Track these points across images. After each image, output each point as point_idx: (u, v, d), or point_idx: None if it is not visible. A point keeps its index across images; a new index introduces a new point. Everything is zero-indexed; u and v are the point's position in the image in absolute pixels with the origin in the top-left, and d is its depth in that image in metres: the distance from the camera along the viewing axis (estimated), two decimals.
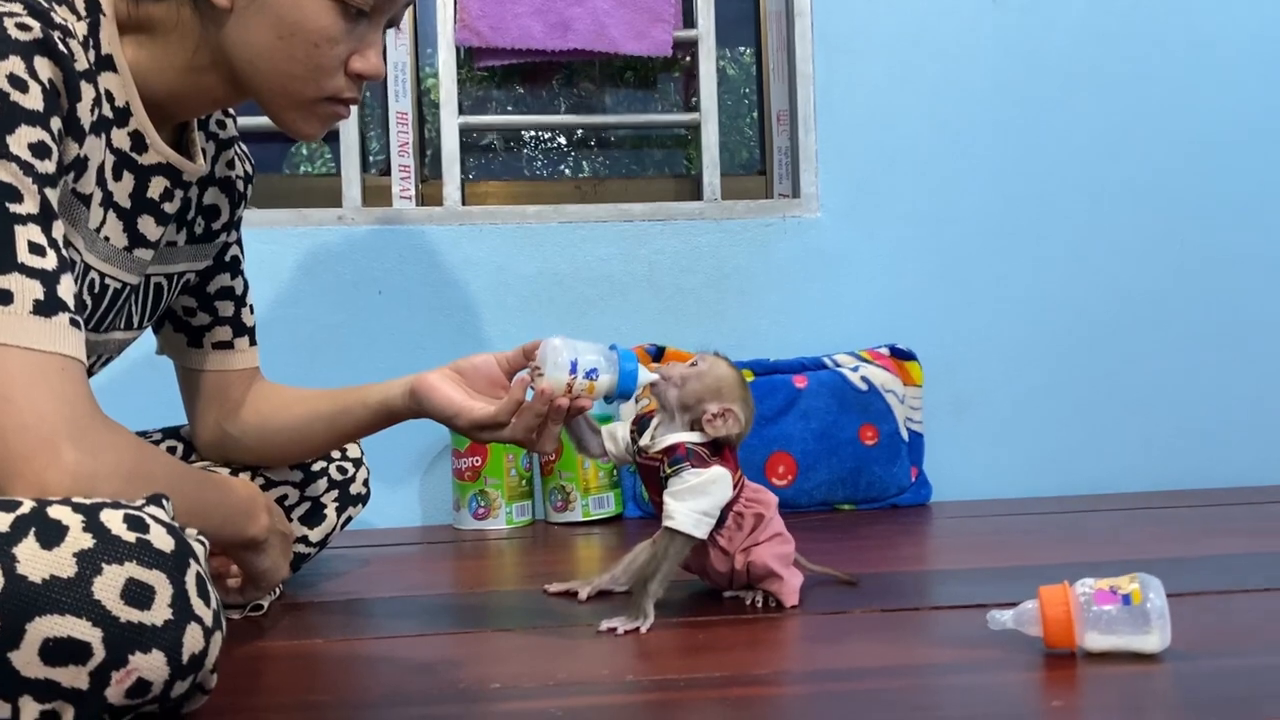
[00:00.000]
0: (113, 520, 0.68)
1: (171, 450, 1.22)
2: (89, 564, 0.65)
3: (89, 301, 0.93)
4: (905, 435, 1.73)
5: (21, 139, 0.78)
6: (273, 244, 1.71)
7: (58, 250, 0.79)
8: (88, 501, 0.70)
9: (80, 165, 0.85)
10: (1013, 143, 1.85)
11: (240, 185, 1.14)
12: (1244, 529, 1.46)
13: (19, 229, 0.77)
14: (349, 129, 1.76)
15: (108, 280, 0.95)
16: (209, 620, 0.70)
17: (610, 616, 0.99)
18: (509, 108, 2.02)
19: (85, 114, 0.84)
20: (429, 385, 1.03)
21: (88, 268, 0.91)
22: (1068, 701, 0.77)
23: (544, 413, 0.96)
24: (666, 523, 1.01)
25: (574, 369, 0.96)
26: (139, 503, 0.72)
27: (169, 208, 0.99)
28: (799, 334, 1.79)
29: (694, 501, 1.01)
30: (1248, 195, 1.87)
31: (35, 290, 0.77)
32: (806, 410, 1.69)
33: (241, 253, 1.18)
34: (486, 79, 1.98)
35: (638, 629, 0.97)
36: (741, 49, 2.05)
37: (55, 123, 0.80)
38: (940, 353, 1.81)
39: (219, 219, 1.11)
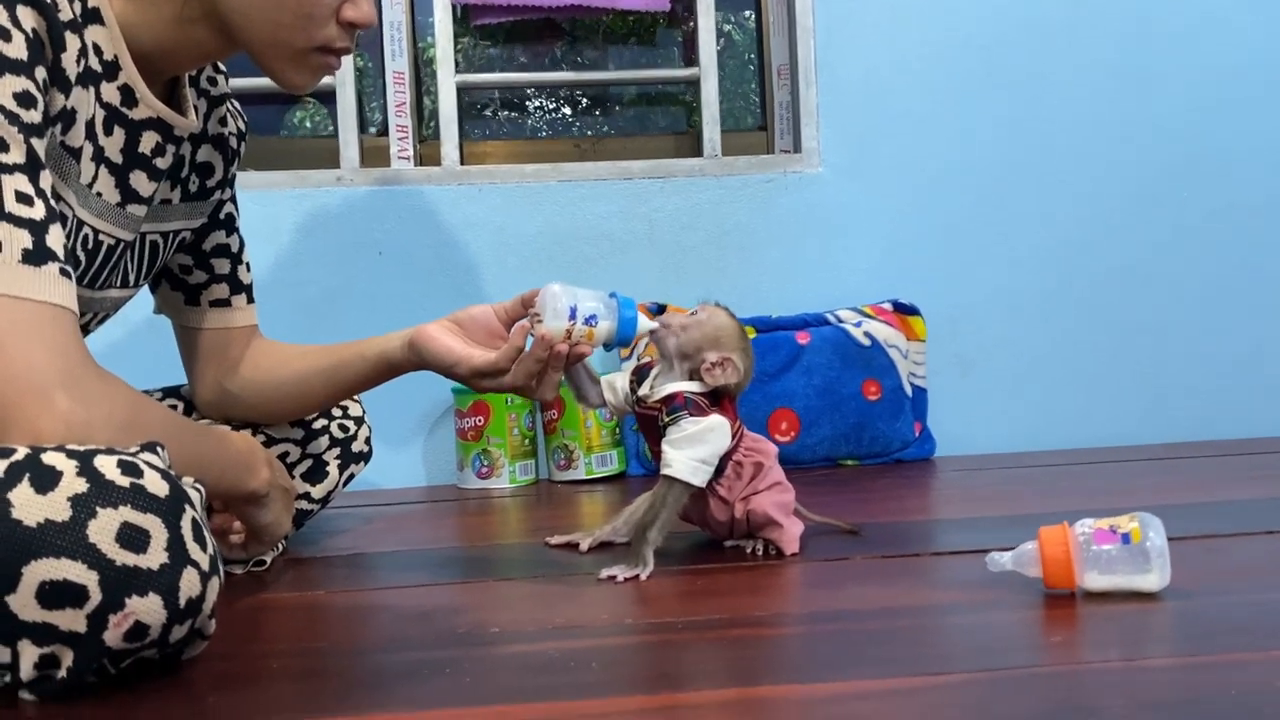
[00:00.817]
0: (106, 465, 0.68)
1: (172, 409, 1.22)
2: (83, 508, 0.66)
3: (82, 258, 0.93)
4: (909, 390, 1.73)
5: (6, 88, 0.77)
6: (271, 206, 1.70)
7: (46, 200, 0.79)
8: (81, 448, 0.70)
9: (68, 118, 0.85)
10: (1017, 96, 1.83)
11: (234, 142, 1.13)
12: (1247, 477, 1.46)
13: (5, 179, 0.76)
14: (346, 90, 1.75)
15: (101, 236, 0.94)
16: (205, 565, 0.70)
17: (610, 566, 0.99)
18: (496, 57, 2.00)
19: (71, 65, 0.83)
20: (428, 335, 1.03)
21: (80, 223, 0.91)
22: (1066, 637, 0.77)
23: (544, 359, 0.96)
24: (664, 471, 1.01)
25: (573, 315, 0.95)
26: (133, 449, 0.72)
27: (161, 163, 0.99)
28: (801, 290, 1.78)
29: (692, 450, 1.01)
30: (1252, 147, 1.85)
31: (24, 240, 0.76)
32: (809, 366, 1.68)
33: (236, 210, 1.17)
34: (488, 42, 1.96)
35: (637, 576, 0.97)
36: (745, 13, 2.03)
37: (40, 73, 0.80)
38: (944, 307, 1.80)
39: (213, 176, 1.11)
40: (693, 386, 1.03)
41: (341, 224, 1.73)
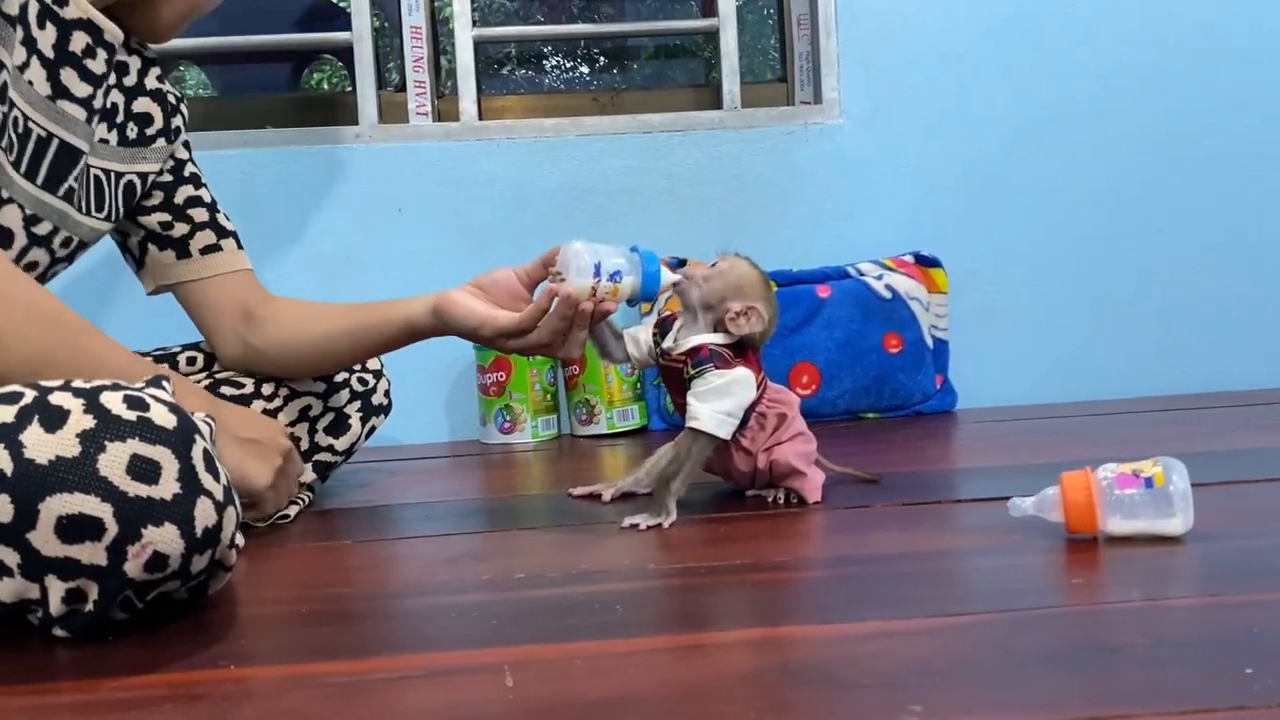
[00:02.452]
0: (112, 401, 0.70)
1: (191, 361, 1.23)
2: (92, 443, 0.67)
3: (14, 139, 0.95)
4: (930, 343, 1.72)
5: None
6: (290, 163, 1.70)
7: None
8: (88, 385, 0.71)
9: None
10: (1038, 45, 1.80)
11: (172, 99, 1.17)
12: (1270, 426, 1.45)
13: None
14: (363, 45, 1.74)
15: (32, 125, 0.96)
16: (219, 494, 0.72)
17: (631, 515, 1.00)
18: (514, 9, 1.99)
19: None
20: (451, 300, 1.03)
21: (11, 104, 0.93)
22: (1088, 579, 0.77)
23: (569, 316, 0.96)
24: (690, 423, 1.02)
25: (597, 272, 0.95)
26: (138, 385, 0.73)
27: (93, 65, 1.01)
28: (822, 243, 1.77)
29: (717, 402, 1.01)
30: (1276, 94, 1.82)
31: None
32: (830, 319, 1.68)
33: (200, 171, 1.21)
34: None
35: (660, 525, 0.98)
36: None
37: None
38: (965, 259, 1.78)
39: (152, 125, 1.14)
40: (717, 338, 1.03)
41: (360, 181, 1.73)
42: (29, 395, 0.70)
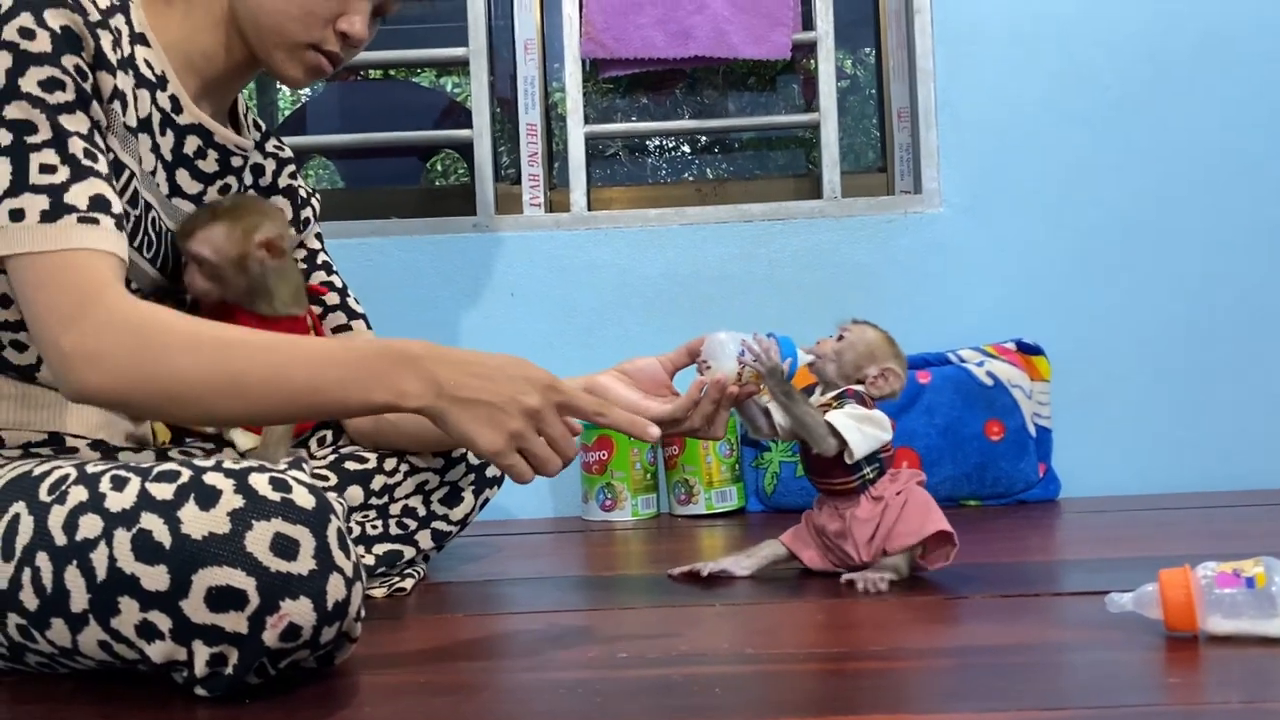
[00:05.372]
0: (259, 482, 0.77)
1: (321, 441, 1.30)
2: (241, 521, 0.75)
3: (154, 238, 1.04)
4: (1033, 431, 1.72)
5: (31, 78, 0.88)
6: (413, 252, 1.82)
7: (73, 164, 0.88)
8: (237, 467, 0.79)
9: (121, 98, 0.96)
10: (1138, 133, 1.81)
11: (303, 193, 1.27)
12: None
13: (33, 156, 0.87)
14: (482, 141, 1.85)
15: (162, 223, 1.06)
16: (349, 571, 0.78)
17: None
18: (633, 117, 2.09)
19: (109, 51, 0.94)
20: (603, 388, 1.10)
21: (149, 205, 1.03)
22: (1186, 678, 0.78)
23: (718, 400, 1.02)
24: (829, 416, 1.07)
25: (742, 358, 1.02)
26: (281, 466, 0.81)
27: (204, 165, 1.10)
28: (922, 330, 1.79)
29: (856, 419, 1.07)
30: None
31: (42, 203, 0.87)
32: (931, 405, 1.69)
33: (331, 260, 1.30)
34: (611, 89, 2.05)
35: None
36: (865, 50, 2.06)
37: (69, 60, 0.90)
38: (1068, 347, 1.78)
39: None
40: (861, 389, 1.10)
41: (476, 267, 1.83)
42: (185, 474, 0.78)
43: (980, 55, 1.82)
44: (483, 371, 0.90)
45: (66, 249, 0.86)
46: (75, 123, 0.90)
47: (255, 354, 0.87)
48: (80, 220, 0.87)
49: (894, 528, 1.08)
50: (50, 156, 0.88)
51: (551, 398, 0.91)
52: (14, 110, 0.88)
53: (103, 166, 0.91)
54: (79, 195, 0.88)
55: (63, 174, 0.88)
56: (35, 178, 0.87)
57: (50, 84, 0.89)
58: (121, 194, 0.97)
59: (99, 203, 0.89)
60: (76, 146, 0.89)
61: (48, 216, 0.86)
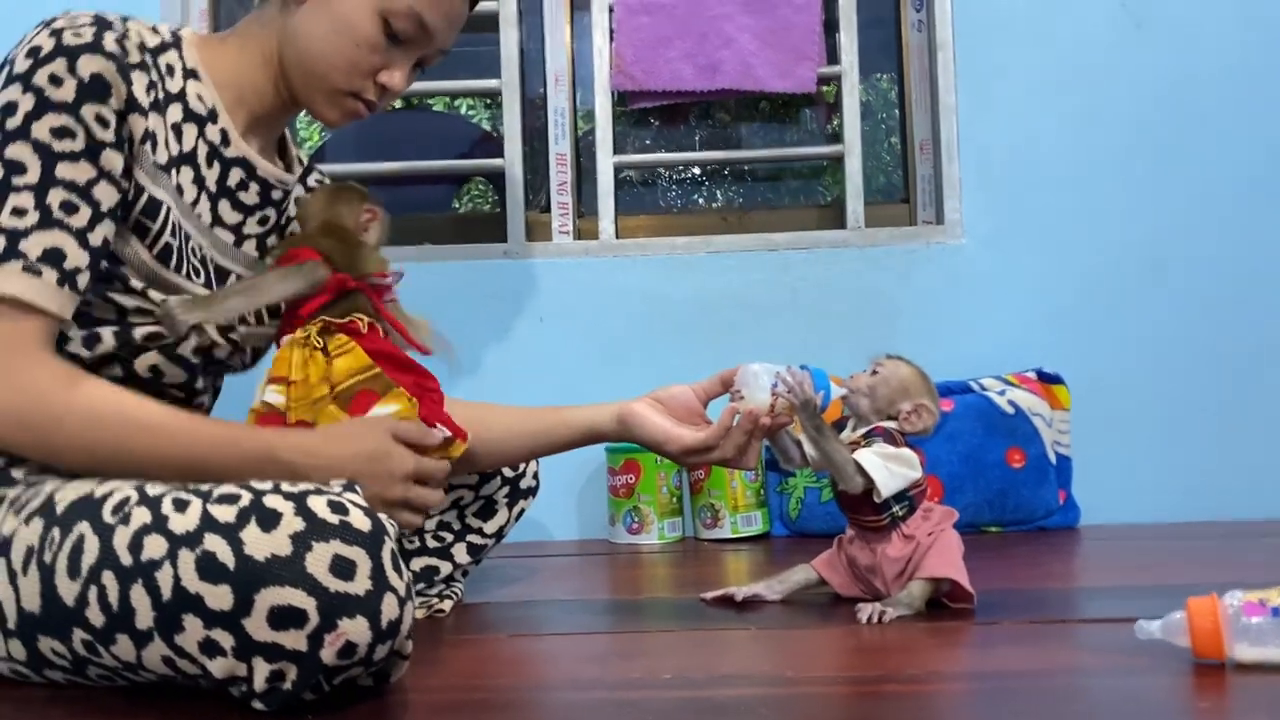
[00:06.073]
0: (318, 505, 0.80)
1: None
2: (302, 543, 0.78)
3: (198, 265, 1.07)
4: (1053, 458, 1.74)
5: (45, 124, 0.93)
6: (445, 277, 1.86)
7: (44, 213, 0.92)
8: (297, 489, 0.82)
9: (153, 138, 1.00)
10: (1157, 166, 1.84)
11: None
12: None
13: (11, 197, 0.92)
14: (514, 170, 1.90)
15: (205, 252, 1.09)
16: (402, 591, 0.81)
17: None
18: (647, 141, 2.13)
19: (142, 94, 0.99)
20: (638, 414, 1.14)
21: (188, 236, 1.06)
22: (1214, 704, 0.80)
23: (750, 431, 1.05)
24: (857, 455, 1.08)
25: (775, 389, 1.05)
26: (337, 489, 0.84)
27: (245, 197, 1.13)
28: (943, 358, 1.82)
29: (884, 457, 1.08)
30: None
31: None
32: (953, 433, 1.72)
33: None
34: (624, 114, 2.09)
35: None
36: (880, 75, 2.10)
37: (89, 110, 0.94)
38: (1087, 376, 1.81)
39: None
40: (892, 426, 1.12)
41: (507, 293, 1.87)
42: (245, 498, 0.81)
43: (1002, 91, 1.86)
44: (347, 466, 0.97)
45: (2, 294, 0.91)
46: (73, 171, 0.94)
47: (140, 438, 0.94)
48: (24, 269, 0.91)
49: (922, 560, 1.11)
50: (26, 200, 0.92)
51: (408, 468, 1.01)
52: (15, 150, 0.93)
53: (79, 220, 0.94)
54: (34, 244, 0.92)
55: (29, 220, 0.92)
56: (3, 219, 0.91)
57: (61, 132, 0.93)
58: (162, 230, 1.01)
59: (51, 256, 0.92)
60: (56, 197, 0.93)
61: None
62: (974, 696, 0.84)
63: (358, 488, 0.87)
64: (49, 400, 0.92)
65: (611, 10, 1.91)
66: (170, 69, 1.04)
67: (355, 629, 0.77)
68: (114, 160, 0.97)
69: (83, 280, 0.95)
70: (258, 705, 0.80)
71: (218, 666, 0.79)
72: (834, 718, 0.81)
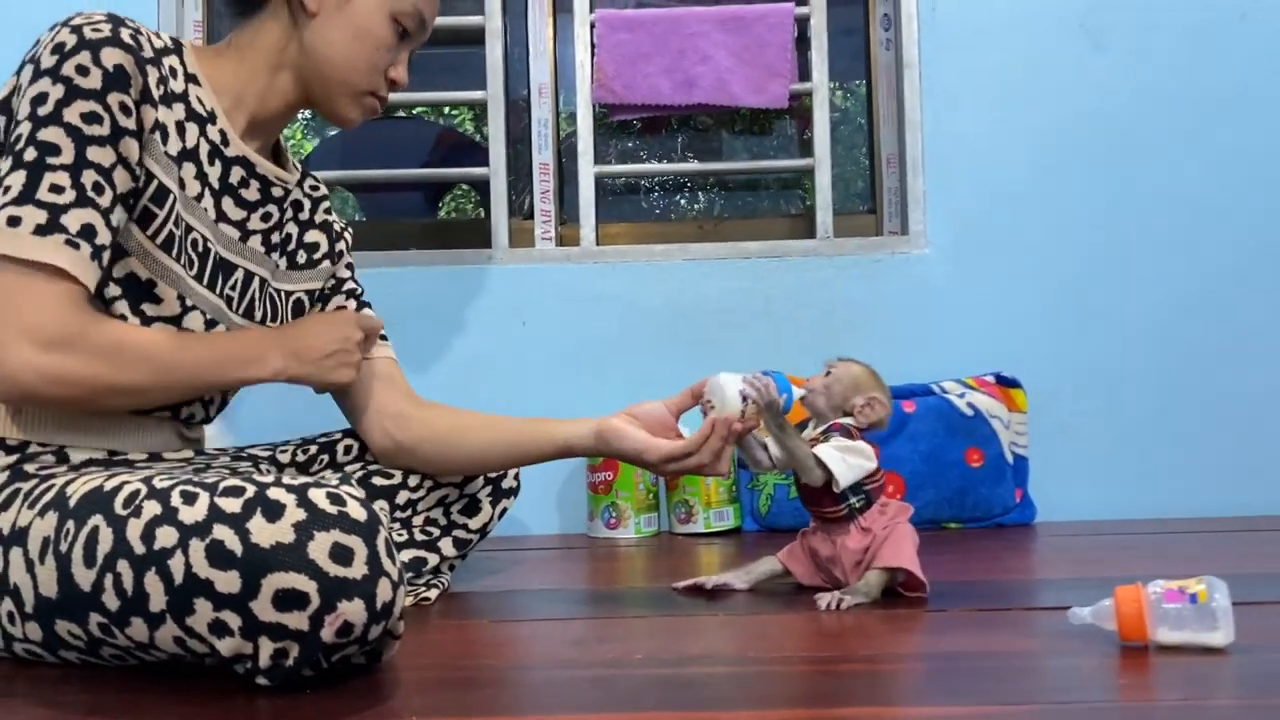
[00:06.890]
0: (318, 497, 0.86)
1: (348, 450, 1.37)
2: (305, 532, 0.84)
3: (194, 257, 1.13)
4: (1010, 458, 1.83)
5: (75, 110, 1.01)
6: (431, 282, 1.93)
7: (80, 191, 1.00)
8: (297, 482, 0.88)
9: (162, 130, 1.08)
10: (1114, 181, 1.94)
11: (337, 227, 1.37)
12: None
13: (47, 175, 0.99)
14: (498, 179, 1.97)
15: (209, 245, 1.16)
16: (395, 576, 0.88)
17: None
18: (629, 145, 2.21)
19: (154, 88, 1.06)
20: (616, 429, 1.22)
21: (189, 227, 1.13)
22: (1136, 680, 0.89)
23: (725, 436, 1.14)
24: (816, 449, 1.17)
25: (745, 398, 1.13)
26: (334, 482, 0.90)
27: (246, 194, 1.21)
28: (907, 362, 1.91)
29: (841, 451, 1.17)
30: None
31: (40, 217, 0.98)
32: (915, 433, 1.81)
33: (358, 289, 1.38)
34: (605, 123, 2.16)
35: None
36: (859, 82, 2.18)
37: (114, 98, 1.02)
38: (1043, 381, 1.90)
39: (318, 251, 1.33)
40: (848, 421, 1.21)
41: (490, 297, 1.94)
42: (250, 490, 0.87)
43: (966, 107, 1.95)
44: (317, 332, 1.20)
45: (51, 264, 0.98)
46: (100, 155, 1.02)
47: (164, 342, 1.07)
48: (66, 242, 0.99)
49: (878, 551, 1.19)
50: (63, 179, 0.99)
51: (364, 327, 1.25)
52: (49, 134, 1.00)
53: (105, 200, 1.02)
54: (73, 220, 0.99)
55: (67, 197, 1.00)
56: (42, 194, 0.99)
57: (90, 117, 1.01)
58: (167, 218, 1.09)
59: (87, 231, 1.00)
60: (89, 178, 1.01)
61: (41, 230, 0.98)
62: (922, 675, 0.93)
63: (352, 480, 0.94)
64: (115, 364, 1.02)
65: (593, 26, 1.99)
66: (174, 71, 1.11)
67: (353, 610, 0.84)
68: (131, 148, 1.05)
69: (106, 257, 1.03)
70: (261, 681, 0.87)
71: (226, 645, 0.85)
72: (793, 693, 0.89)
